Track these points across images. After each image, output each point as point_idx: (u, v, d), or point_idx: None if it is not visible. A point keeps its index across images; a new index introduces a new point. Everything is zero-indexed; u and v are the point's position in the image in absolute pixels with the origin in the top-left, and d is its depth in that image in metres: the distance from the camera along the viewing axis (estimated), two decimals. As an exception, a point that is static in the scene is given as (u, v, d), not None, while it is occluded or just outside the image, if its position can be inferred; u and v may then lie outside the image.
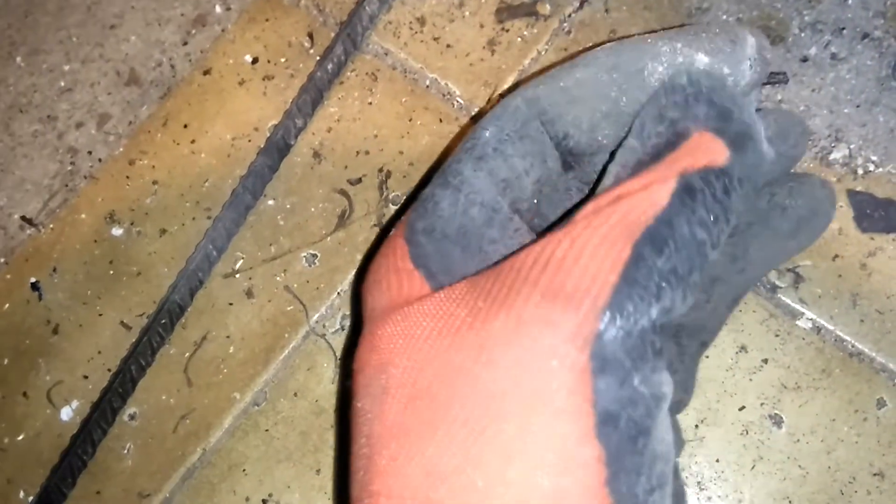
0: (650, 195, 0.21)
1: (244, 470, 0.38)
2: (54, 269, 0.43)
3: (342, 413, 0.38)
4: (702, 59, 0.24)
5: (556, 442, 0.19)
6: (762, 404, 0.37)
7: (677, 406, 0.30)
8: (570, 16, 0.41)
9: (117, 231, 0.42)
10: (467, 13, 0.42)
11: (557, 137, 0.26)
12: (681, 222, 0.20)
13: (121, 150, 0.43)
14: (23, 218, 0.43)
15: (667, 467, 0.21)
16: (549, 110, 0.25)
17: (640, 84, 0.24)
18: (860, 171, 0.38)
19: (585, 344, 0.19)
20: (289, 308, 0.39)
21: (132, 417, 0.40)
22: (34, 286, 0.42)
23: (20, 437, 0.41)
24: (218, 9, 0.43)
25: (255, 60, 0.43)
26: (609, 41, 0.40)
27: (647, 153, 0.23)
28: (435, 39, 0.42)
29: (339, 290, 0.39)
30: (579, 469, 0.19)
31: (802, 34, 0.39)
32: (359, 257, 0.40)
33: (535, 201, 0.26)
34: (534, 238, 0.26)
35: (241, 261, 0.41)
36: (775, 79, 0.39)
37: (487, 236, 0.24)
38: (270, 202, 0.41)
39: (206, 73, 0.43)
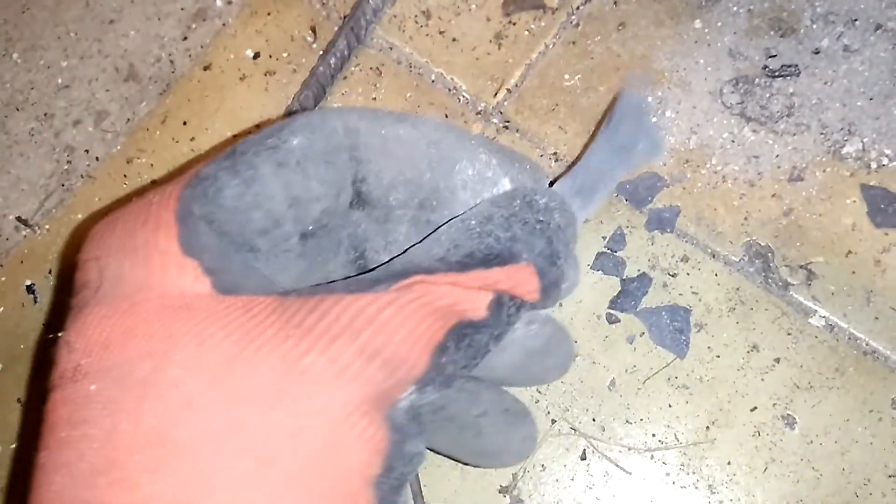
0: (477, 299, 0.22)
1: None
2: (50, 272, 0.42)
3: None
4: (504, 185, 0.25)
5: (337, 492, 0.20)
6: (774, 405, 0.36)
7: None
8: (578, 8, 0.40)
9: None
10: (473, 6, 0.41)
11: (357, 177, 0.24)
12: (484, 334, 0.23)
13: (118, 148, 0.42)
14: (18, 219, 0.42)
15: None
16: (362, 150, 0.24)
17: (447, 171, 0.25)
18: (874, 165, 0.37)
19: (385, 406, 0.21)
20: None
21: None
22: (29, 289, 0.42)
23: (13, 446, 0.40)
24: (218, 2, 0.43)
25: (256, 55, 0.42)
26: (618, 34, 0.40)
27: (478, 249, 0.23)
28: (441, 33, 0.41)
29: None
30: None
31: (814, 26, 0.39)
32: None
33: (311, 228, 0.24)
34: (303, 267, 0.25)
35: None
36: (787, 72, 0.38)
37: (256, 246, 0.22)
38: (272, 200, 0.40)
39: (206, 68, 0.42)
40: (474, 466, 0.36)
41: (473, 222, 0.24)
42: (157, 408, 0.18)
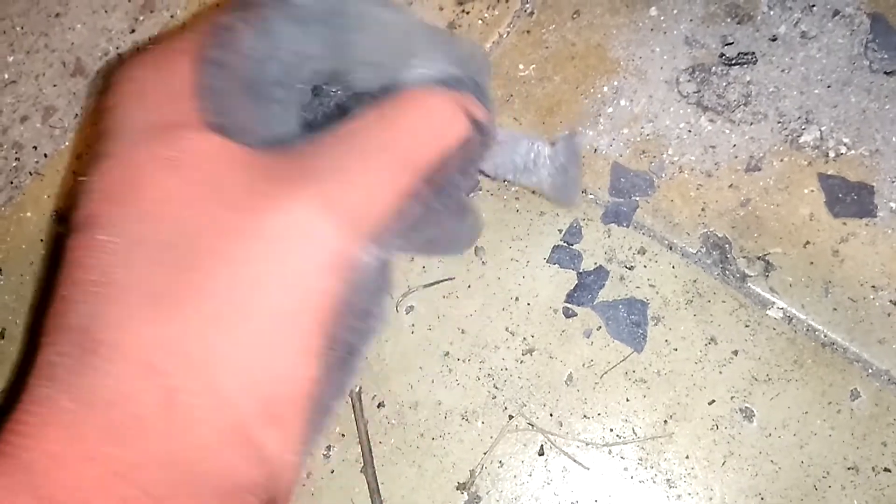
0: (446, 130, 0.23)
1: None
2: (0, 271, 0.41)
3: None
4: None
5: (284, 351, 0.20)
6: (732, 398, 0.36)
7: None
8: (531, -3, 0.40)
9: (64, 229, 0.40)
10: (425, -5, 0.40)
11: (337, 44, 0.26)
12: (453, 167, 0.23)
13: (67, 144, 0.41)
14: (-33, 217, 0.41)
15: (378, 323, 0.23)
16: (346, 18, 0.25)
17: (407, 63, 0.25)
18: (832, 154, 0.37)
19: (345, 267, 0.21)
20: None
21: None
22: (-20, 287, 0.41)
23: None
24: (167, -6, 0.42)
25: (205, 48, 0.41)
26: (572, 22, 0.39)
27: None
28: (392, 23, 0.40)
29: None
30: (292, 382, 0.21)
31: (771, 12, 0.38)
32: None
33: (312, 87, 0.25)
34: (310, 117, 0.25)
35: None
36: (743, 59, 0.37)
37: (272, 96, 0.23)
38: (223, 196, 0.39)
39: (154, 62, 0.41)
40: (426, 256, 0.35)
41: None
42: (144, 254, 0.20)
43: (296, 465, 0.22)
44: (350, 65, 0.25)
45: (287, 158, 0.22)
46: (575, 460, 0.36)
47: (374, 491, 0.37)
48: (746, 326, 0.36)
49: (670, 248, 0.37)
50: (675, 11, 0.38)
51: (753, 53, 0.37)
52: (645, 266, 0.37)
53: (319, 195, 0.21)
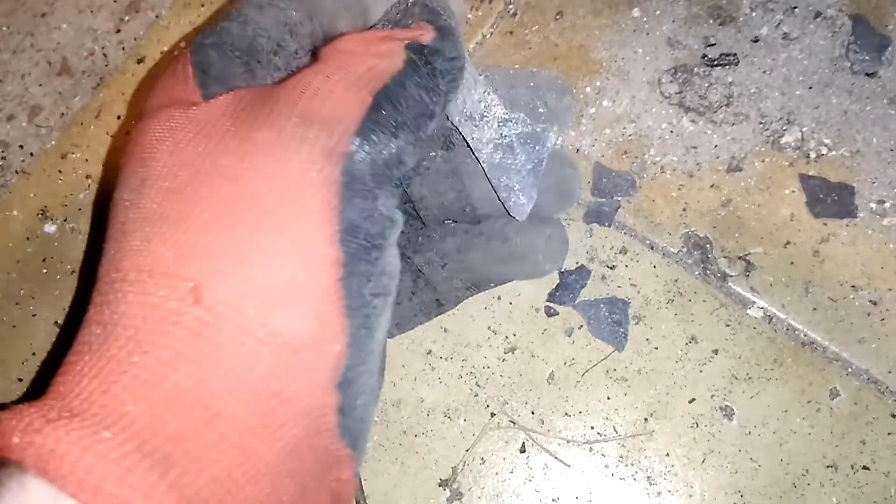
0: (388, 60, 0.25)
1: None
2: (-14, 269, 0.41)
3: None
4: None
5: (302, 240, 0.22)
6: (713, 396, 0.36)
7: None
8: (515, -3, 0.40)
9: (50, 228, 0.40)
10: (409, -4, 0.40)
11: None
12: (410, 85, 0.24)
13: (53, 143, 0.41)
14: (-46, 215, 0.41)
15: (391, 282, 0.24)
16: None
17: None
18: (813, 155, 0.37)
19: (339, 161, 0.22)
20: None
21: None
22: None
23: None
24: (154, -6, 0.42)
25: (190, 48, 0.41)
26: (555, 23, 0.39)
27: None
28: (376, 24, 0.40)
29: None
30: (318, 266, 0.22)
31: (753, 13, 0.38)
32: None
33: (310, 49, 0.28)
34: None
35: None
36: (726, 60, 0.38)
37: (274, 63, 0.26)
38: (208, 195, 0.39)
39: (139, 61, 0.41)
40: (515, 279, 0.36)
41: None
42: (153, 194, 0.23)
43: (341, 356, 0.22)
44: (326, 19, 0.28)
45: (264, 93, 0.24)
46: (556, 458, 0.37)
47: (357, 488, 0.37)
48: (727, 326, 0.37)
49: (652, 248, 0.37)
50: (657, 13, 0.38)
51: (735, 55, 0.38)
52: (626, 266, 0.37)
53: (296, 108, 0.23)
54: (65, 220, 0.40)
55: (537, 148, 0.32)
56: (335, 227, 0.22)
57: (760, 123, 0.37)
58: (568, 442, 0.37)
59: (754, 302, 0.37)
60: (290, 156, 0.22)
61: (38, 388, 0.39)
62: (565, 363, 0.37)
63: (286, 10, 0.27)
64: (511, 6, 0.40)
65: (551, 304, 0.38)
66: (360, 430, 0.24)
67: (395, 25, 0.27)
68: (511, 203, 0.32)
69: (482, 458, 0.37)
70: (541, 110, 0.33)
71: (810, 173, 0.37)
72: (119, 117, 0.41)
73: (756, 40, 0.38)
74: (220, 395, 0.21)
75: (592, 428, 0.37)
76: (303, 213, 0.22)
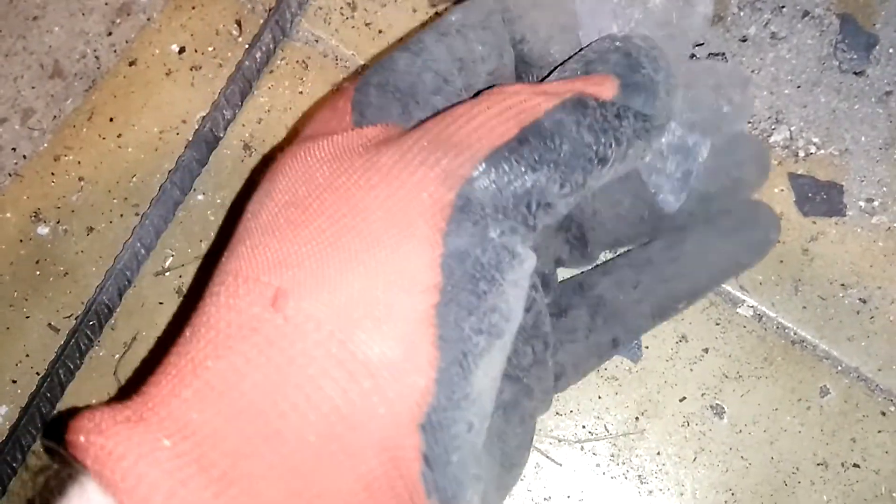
0: (546, 99, 0.23)
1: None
2: (-21, 272, 0.41)
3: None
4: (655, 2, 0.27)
5: (402, 261, 0.20)
6: (703, 395, 0.36)
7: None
8: (504, -2, 0.40)
9: (43, 230, 0.40)
10: (399, -3, 0.40)
11: (515, 38, 0.27)
12: (568, 122, 0.22)
13: (45, 145, 0.41)
14: (-53, 218, 0.41)
15: (504, 324, 0.22)
16: (513, 9, 0.27)
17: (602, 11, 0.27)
18: (801, 154, 0.37)
19: (456, 184, 0.21)
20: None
21: (62, 422, 0.39)
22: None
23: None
24: (146, -3, 0.42)
25: (181, 50, 0.41)
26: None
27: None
28: (367, 25, 0.40)
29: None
30: (414, 289, 0.20)
31: (741, 13, 0.38)
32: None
33: (482, 89, 0.26)
34: None
35: (171, 258, 0.39)
36: (714, 59, 0.38)
37: (432, 104, 0.25)
38: (200, 197, 0.40)
39: (131, 63, 0.41)
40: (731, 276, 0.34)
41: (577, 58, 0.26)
42: (271, 207, 0.23)
43: (426, 393, 0.20)
44: (538, 45, 0.27)
45: (404, 130, 0.24)
46: (547, 456, 0.37)
47: None
48: (717, 324, 0.37)
49: (642, 247, 0.37)
50: (646, 12, 0.39)
51: (724, 54, 0.38)
52: (617, 265, 0.37)
53: (430, 132, 0.22)
54: (58, 222, 0.40)
55: (689, 159, 0.30)
56: (439, 251, 0.21)
57: (749, 122, 0.37)
58: (559, 441, 0.37)
59: (744, 300, 0.37)
60: (406, 176, 0.21)
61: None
62: (556, 362, 0.37)
63: (471, 43, 0.26)
64: (501, 7, 0.40)
65: (542, 304, 0.38)
66: (455, 495, 0.21)
67: (586, 66, 0.25)
68: (660, 198, 0.30)
69: (474, 458, 0.37)
70: (725, 109, 0.30)
71: (799, 172, 0.37)
72: (111, 120, 0.41)
73: (744, 39, 0.38)
74: (284, 412, 0.19)
75: (583, 427, 0.37)
76: (408, 233, 0.21)
